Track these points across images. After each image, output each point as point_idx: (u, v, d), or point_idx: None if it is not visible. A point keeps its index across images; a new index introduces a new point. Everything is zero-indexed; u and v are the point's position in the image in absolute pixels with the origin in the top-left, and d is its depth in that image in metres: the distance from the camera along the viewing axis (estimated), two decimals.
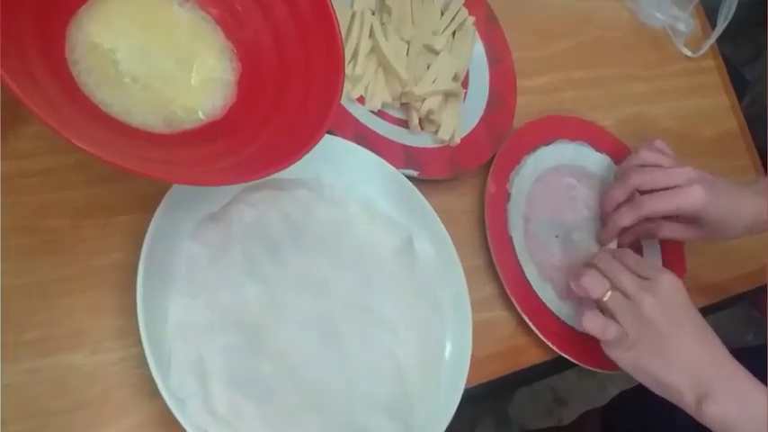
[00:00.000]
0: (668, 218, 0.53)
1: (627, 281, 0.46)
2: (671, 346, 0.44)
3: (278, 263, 0.42)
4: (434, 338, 0.46)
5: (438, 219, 0.49)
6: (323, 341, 0.41)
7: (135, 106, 0.39)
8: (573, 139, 0.59)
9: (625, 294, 0.46)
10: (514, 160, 0.55)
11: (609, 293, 0.46)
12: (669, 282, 0.46)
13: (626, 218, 0.53)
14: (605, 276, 0.47)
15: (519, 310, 0.50)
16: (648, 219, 0.53)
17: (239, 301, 0.40)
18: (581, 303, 0.52)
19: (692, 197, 0.50)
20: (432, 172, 0.51)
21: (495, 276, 0.51)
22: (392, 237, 0.47)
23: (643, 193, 0.53)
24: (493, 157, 0.54)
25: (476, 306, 0.48)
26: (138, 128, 0.39)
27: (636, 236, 0.55)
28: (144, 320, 0.37)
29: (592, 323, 0.46)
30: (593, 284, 0.47)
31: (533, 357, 0.51)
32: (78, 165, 0.41)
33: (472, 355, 0.45)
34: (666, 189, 0.51)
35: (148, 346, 0.36)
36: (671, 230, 0.54)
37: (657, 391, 0.45)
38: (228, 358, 0.38)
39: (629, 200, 0.53)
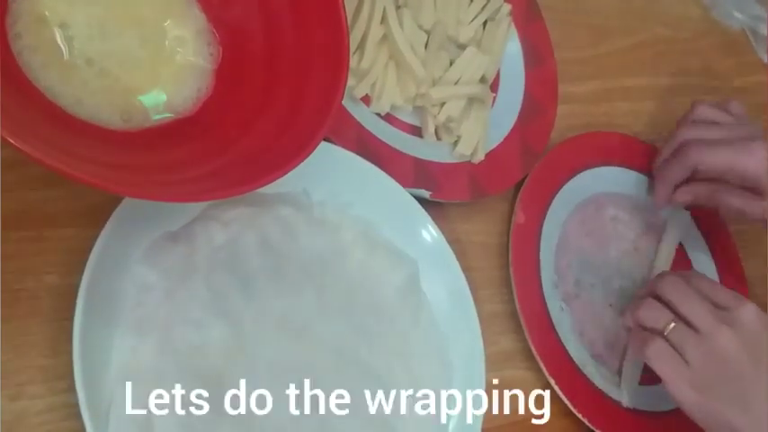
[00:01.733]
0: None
1: (699, 310, 0.45)
2: (754, 392, 0.43)
3: (250, 299, 0.42)
4: (439, 403, 0.45)
5: (452, 252, 0.48)
6: (301, 401, 0.41)
7: (88, 95, 0.39)
8: (621, 162, 0.59)
9: (694, 326, 0.45)
10: (551, 185, 0.55)
11: (672, 325, 0.46)
12: (753, 312, 0.45)
13: (672, 170, 0.53)
14: (669, 304, 0.46)
15: (545, 371, 0.49)
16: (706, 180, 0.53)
17: (199, 344, 0.40)
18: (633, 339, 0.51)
19: (751, 154, 0.50)
20: (448, 194, 0.51)
21: (518, 327, 0.51)
22: (394, 272, 0.47)
23: None
24: (523, 180, 0.54)
25: (490, 362, 0.47)
26: (89, 122, 0.39)
27: (693, 196, 0.55)
28: (80, 361, 0.36)
29: (657, 352, 0.45)
30: (652, 315, 0.46)
31: (564, 429, 0.50)
32: (9, 162, 0.40)
33: (482, 427, 0.45)
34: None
35: (84, 394, 0.36)
36: (734, 197, 0.53)
37: None
38: (182, 416, 0.37)
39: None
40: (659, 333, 0.46)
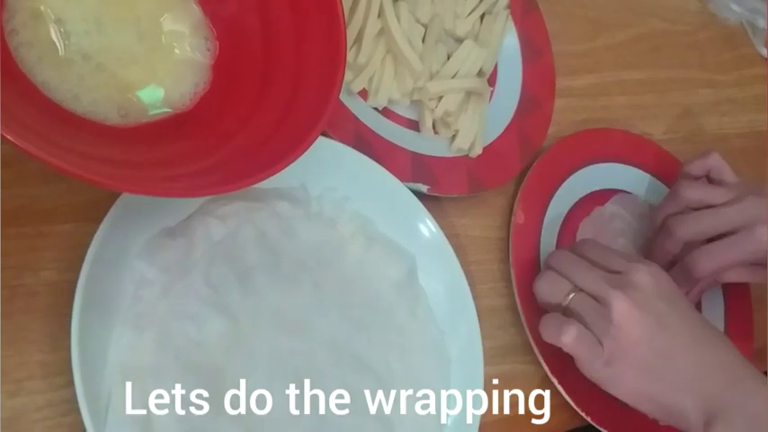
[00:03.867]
0: None
1: (591, 278, 0.44)
2: (662, 355, 0.42)
3: (248, 294, 0.42)
4: (437, 398, 0.45)
5: (450, 246, 0.48)
6: (299, 396, 0.41)
7: (84, 91, 0.38)
8: (621, 158, 0.59)
9: (592, 295, 0.44)
10: (551, 183, 0.55)
11: (571, 296, 0.44)
12: (646, 272, 0.44)
13: (671, 207, 0.52)
14: (565, 277, 0.45)
15: (544, 365, 0.49)
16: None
17: (197, 339, 0.40)
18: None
19: (757, 240, 0.49)
20: (445, 188, 0.50)
21: (516, 321, 0.51)
22: (391, 267, 0.47)
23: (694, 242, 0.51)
24: (522, 175, 0.54)
25: (488, 357, 0.47)
26: (85, 117, 0.38)
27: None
28: (79, 357, 0.36)
29: (545, 327, 0.44)
30: (549, 287, 0.45)
31: (557, 425, 0.50)
32: (7, 158, 0.40)
33: (480, 422, 0.45)
34: (724, 234, 0.50)
35: (82, 389, 0.36)
36: (735, 274, 0.52)
37: (661, 419, 0.44)
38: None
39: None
40: (558, 305, 0.45)
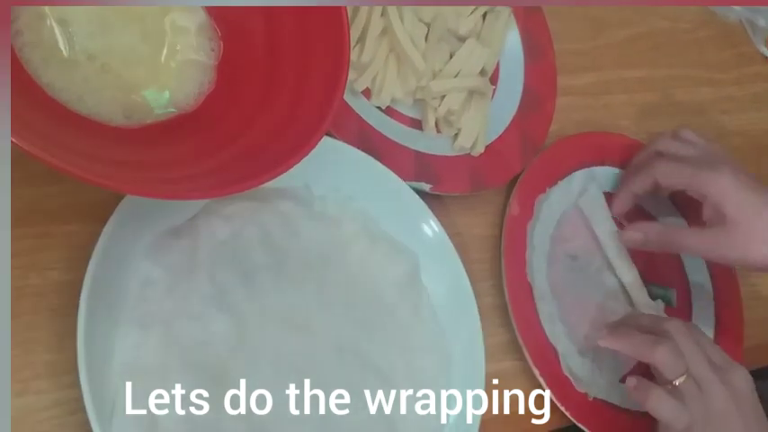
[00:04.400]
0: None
1: (702, 364, 0.47)
2: None
3: (252, 293, 0.42)
4: (438, 397, 0.45)
5: (452, 245, 0.48)
6: (303, 395, 0.41)
7: (89, 92, 0.38)
8: (619, 162, 0.59)
9: (696, 380, 0.46)
10: (548, 180, 0.55)
11: (683, 378, 0.46)
12: (744, 376, 0.47)
13: (635, 180, 0.54)
14: (681, 353, 0.47)
15: (531, 363, 0.49)
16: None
17: (202, 338, 0.40)
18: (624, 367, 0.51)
19: (716, 175, 0.50)
20: (448, 186, 0.51)
21: None
22: (394, 265, 0.47)
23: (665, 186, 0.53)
24: (522, 173, 0.54)
25: (490, 354, 0.47)
26: (90, 118, 0.38)
27: (644, 235, 0.54)
28: (85, 356, 0.36)
29: (664, 405, 0.46)
30: (671, 363, 0.46)
31: (552, 423, 0.50)
32: (12, 158, 0.40)
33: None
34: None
35: (88, 389, 0.36)
36: (688, 238, 0.52)
37: None
38: (185, 411, 0.38)
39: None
40: (668, 381, 0.46)
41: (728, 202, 0.50)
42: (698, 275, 0.59)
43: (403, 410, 0.44)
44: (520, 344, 0.50)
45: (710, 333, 0.57)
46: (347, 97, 0.49)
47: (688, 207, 0.59)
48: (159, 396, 0.38)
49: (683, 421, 0.46)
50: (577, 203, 0.56)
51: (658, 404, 0.46)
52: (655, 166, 0.53)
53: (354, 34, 0.50)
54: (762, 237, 0.50)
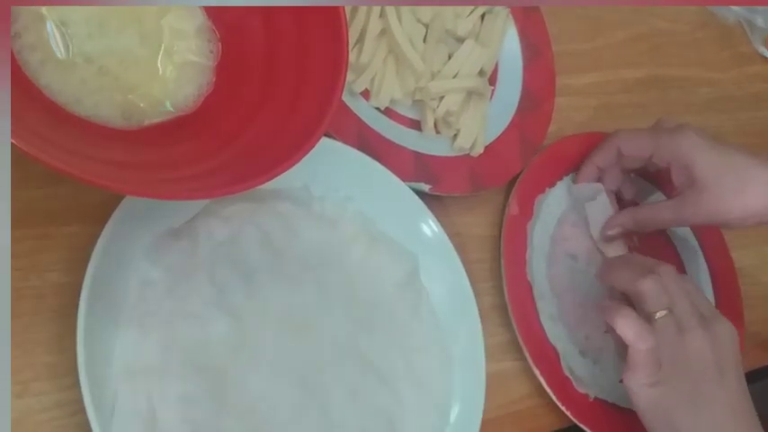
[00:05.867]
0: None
1: (686, 307, 0.45)
2: (709, 400, 0.44)
3: (252, 294, 0.42)
4: (439, 396, 0.45)
5: (452, 245, 0.48)
6: (303, 394, 0.41)
7: (87, 94, 0.38)
8: None
9: (677, 321, 0.45)
10: (547, 180, 0.55)
11: (664, 313, 0.45)
12: (729, 329, 0.46)
13: (597, 152, 0.53)
14: (665, 291, 0.46)
15: (531, 363, 0.49)
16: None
17: (202, 339, 0.39)
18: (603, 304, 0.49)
19: (678, 137, 0.50)
20: (447, 187, 0.50)
21: None
22: (394, 266, 0.47)
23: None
24: (521, 173, 0.54)
25: (491, 354, 0.47)
26: (89, 120, 0.38)
27: (621, 226, 0.54)
28: (85, 358, 0.36)
29: (628, 323, 0.45)
30: (654, 295, 0.45)
31: (553, 423, 0.50)
32: (13, 160, 0.40)
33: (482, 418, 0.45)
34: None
35: (88, 390, 0.35)
36: (662, 211, 0.53)
37: None
38: (185, 412, 0.37)
39: None
40: (649, 313, 0.45)
41: (694, 162, 0.50)
42: (699, 275, 0.59)
43: (403, 411, 0.43)
44: (520, 344, 0.49)
45: None
46: (346, 98, 0.49)
47: (665, 182, 0.58)
48: (159, 396, 0.37)
49: (647, 343, 0.44)
50: (585, 206, 0.55)
51: (624, 321, 0.45)
52: (616, 134, 0.53)
53: (353, 35, 0.50)
54: (733, 188, 0.49)
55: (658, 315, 0.45)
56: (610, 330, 0.51)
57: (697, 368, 0.44)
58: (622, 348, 0.48)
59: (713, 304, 0.50)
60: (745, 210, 0.50)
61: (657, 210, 0.52)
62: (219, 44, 0.43)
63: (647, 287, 0.46)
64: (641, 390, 0.44)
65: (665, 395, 0.44)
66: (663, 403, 0.44)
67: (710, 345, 0.44)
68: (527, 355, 0.49)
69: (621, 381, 0.46)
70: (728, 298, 0.59)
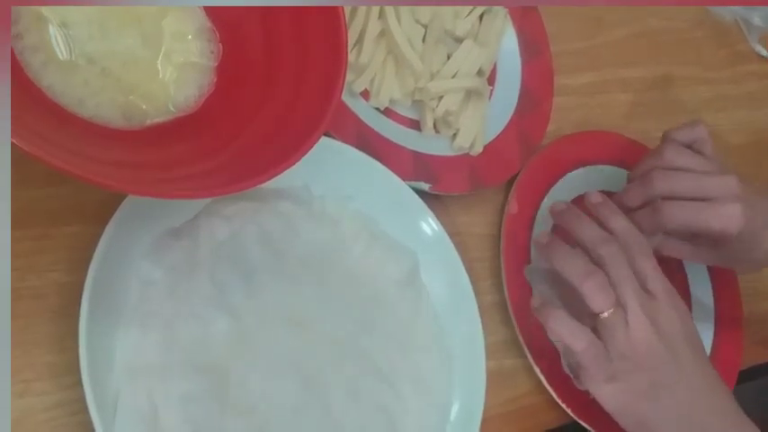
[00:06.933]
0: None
1: (630, 295, 0.44)
2: (668, 386, 0.43)
3: (253, 293, 0.41)
4: (439, 395, 0.45)
5: (452, 244, 0.48)
6: (303, 393, 0.41)
7: (89, 95, 0.38)
8: (617, 161, 0.58)
9: (625, 310, 0.44)
10: (547, 178, 0.55)
11: (611, 311, 0.44)
12: (676, 307, 0.44)
13: (644, 225, 0.50)
14: (611, 282, 0.44)
15: (531, 361, 0.49)
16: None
17: (203, 338, 0.39)
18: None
19: (728, 218, 0.48)
20: (447, 186, 0.50)
21: None
22: (394, 265, 0.47)
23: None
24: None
25: (491, 352, 0.47)
26: (91, 121, 0.38)
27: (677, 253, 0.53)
28: (86, 357, 0.36)
29: (560, 327, 0.43)
30: (598, 298, 0.44)
31: (553, 421, 0.50)
32: (13, 160, 0.40)
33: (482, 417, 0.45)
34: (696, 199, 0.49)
35: (90, 389, 0.35)
36: (677, 249, 0.52)
37: None
38: (187, 410, 0.37)
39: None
40: (595, 313, 0.44)
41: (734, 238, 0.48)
42: (697, 270, 0.59)
43: (403, 409, 0.43)
44: (520, 342, 0.49)
45: (710, 327, 0.57)
46: (346, 98, 0.49)
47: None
48: (161, 396, 0.37)
49: (582, 342, 0.43)
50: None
51: (556, 325, 0.44)
52: (662, 210, 0.49)
53: (352, 36, 0.50)
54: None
55: (605, 315, 0.44)
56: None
57: (648, 357, 0.43)
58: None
59: (664, 279, 0.46)
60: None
61: (700, 256, 0.51)
62: (220, 45, 0.43)
63: (590, 292, 0.44)
64: (598, 388, 0.44)
65: (623, 390, 0.43)
66: (623, 398, 0.43)
67: (656, 330, 0.43)
68: (527, 352, 0.49)
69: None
70: (727, 294, 0.59)
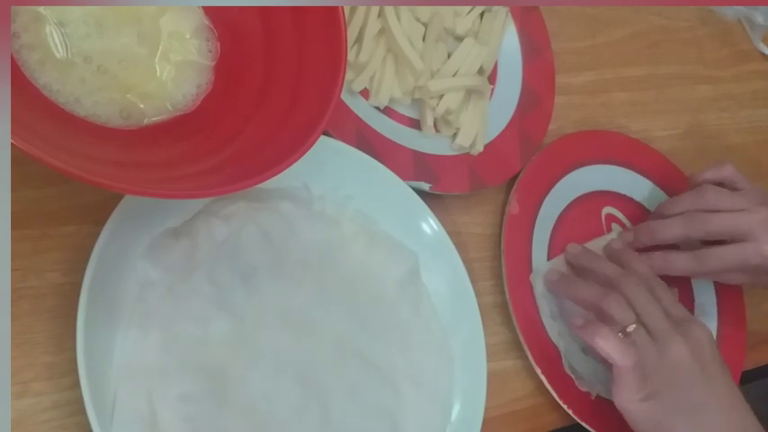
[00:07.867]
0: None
1: (657, 316, 0.46)
2: (701, 404, 0.44)
3: (252, 293, 0.41)
4: (440, 395, 0.45)
5: (452, 244, 0.48)
6: (303, 393, 0.40)
7: (86, 94, 0.38)
8: (620, 161, 0.58)
9: (651, 332, 0.46)
10: (548, 178, 0.54)
11: (633, 326, 0.46)
12: (703, 330, 0.47)
13: (682, 267, 0.52)
14: (631, 305, 0.47)
15: (532, 362, 0.49)
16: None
17: (202, 339, 0.39)
18: (584, 327, 0.49)
19: (764, 252, 0.50)
20: (447, 186, 0.50)
21: None
22: (394, 265, 0.46)
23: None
24: (521, 171, 0.53)
25: (491, 353, 0.47)
26: (87, 120, 0.38)
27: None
28: (85, 358, 0.36)
29: (610, 343, 0.45)
30: (618, 312, 0.46)
31: (554, 422, 0.50)
32: (12, 161, 0.40)
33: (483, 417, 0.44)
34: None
35: (88, 390, 0.35)
36: (735, 277, 0.53)
37: None
38: (186, 412, 0.37)
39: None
40: (621, 329, 0.46)
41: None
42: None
43: (404, 410, 0.43)
44: (521, 342, 0.49)
45: (713, 327, 0.57)
46: (345, 97, 0.49)
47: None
48: (159, 396, 0.37)
49: (630, 358, 0.45)
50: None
51: (605, 342, 0.45)
52: (704, 258, 0.51)
53: (352, 34, 0.49)
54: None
55: (629, 329, 0.46)
56: (589, 349, 0.51)
57: (682, 376, 0.45)
58: (606, 366, 0.49)
59: (683, 308, 0.50)
60: None
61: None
62: (218, 43, 0.43)
63: (610, 307, 0.47)
64: (634, 406, 0.45)
65: (656, 408, 0.44)
66: (655, 416, 0.44)
67: (690, 349, 0.45)
68: (528, 353, 0.49)
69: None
70: (730, 295, 0.59)
